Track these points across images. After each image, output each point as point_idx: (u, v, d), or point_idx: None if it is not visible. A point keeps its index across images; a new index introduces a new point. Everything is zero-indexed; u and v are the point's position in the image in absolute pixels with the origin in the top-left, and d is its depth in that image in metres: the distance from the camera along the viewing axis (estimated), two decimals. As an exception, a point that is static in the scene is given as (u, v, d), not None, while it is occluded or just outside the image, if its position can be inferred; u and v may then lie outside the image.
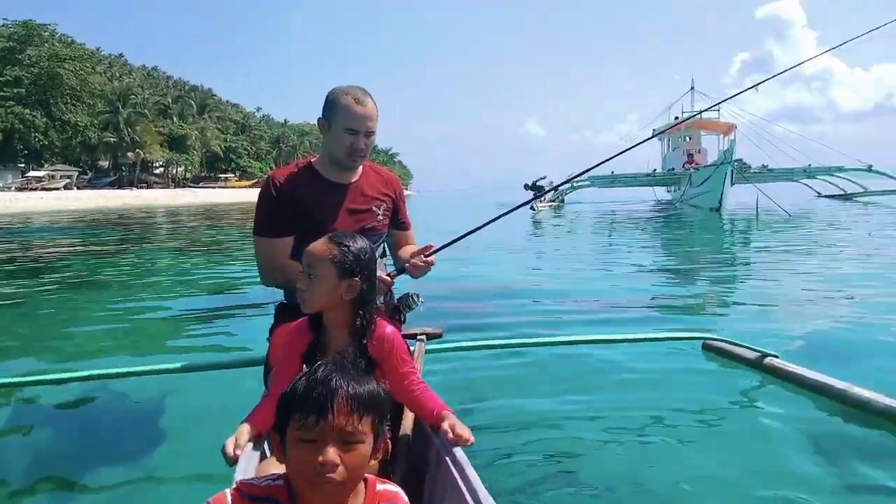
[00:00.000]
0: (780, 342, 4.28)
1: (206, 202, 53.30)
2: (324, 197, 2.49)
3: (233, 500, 1.24)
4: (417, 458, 1.98)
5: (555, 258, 11.19)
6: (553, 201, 33.77)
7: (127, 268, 10.91)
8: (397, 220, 2.71)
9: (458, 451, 1.76)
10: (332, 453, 1.18)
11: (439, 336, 3.14)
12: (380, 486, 1.33)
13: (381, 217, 2.61)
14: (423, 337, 3.00)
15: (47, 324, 6.12)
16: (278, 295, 2.63)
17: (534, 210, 27.31)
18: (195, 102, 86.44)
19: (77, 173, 64.78)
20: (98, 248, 14.92)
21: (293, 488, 1.24)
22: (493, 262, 9.70)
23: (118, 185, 66.46)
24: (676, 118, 39.20)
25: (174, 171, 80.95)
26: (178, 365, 2.79)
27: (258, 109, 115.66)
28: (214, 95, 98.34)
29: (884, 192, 31.20)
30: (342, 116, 2.40)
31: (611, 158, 3.82)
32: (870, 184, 32.84)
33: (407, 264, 2.52)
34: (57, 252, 13.87)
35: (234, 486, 1.30)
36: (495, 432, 3.02)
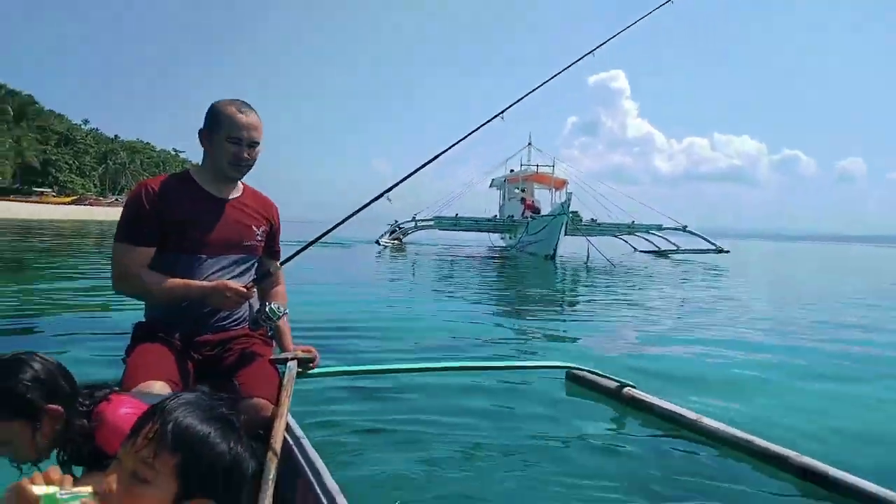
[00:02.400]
0: (636, 373, 4.55)
1: (21, 217, 47.70)
2: (203, 209, 2.42)
3: None
4: (286, 486, 1.95)
5: (410, 295, 11.37)
6: (395, 240, 34.41)
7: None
8: (271, 248, 2.67)
9: (329, 480, 1.81)
10: (108, 482, 1.07)
11: (311, 360, 3.02)
12: None
13: (259, 237, 2.58)
14: (295, 362, 2.89)
15: None
16: (129, 315, 2.40)
17: (379, 245, 29.23)
18: (12, 108, 78.33)
19: None
20: None
21: None
22: (354, 297, 9.69)
23: None
24: (512, 170, 41.86)
25: (-22, 182, 72.20)
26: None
27: (85, 122, 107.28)
28: (36, 103, 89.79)
29: (695, 251, 34.69)
30: (225, 126, 2.37)
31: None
32: (682, 242, 36.40)
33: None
34: None
35: None
36: (363, 457, 2.98)
